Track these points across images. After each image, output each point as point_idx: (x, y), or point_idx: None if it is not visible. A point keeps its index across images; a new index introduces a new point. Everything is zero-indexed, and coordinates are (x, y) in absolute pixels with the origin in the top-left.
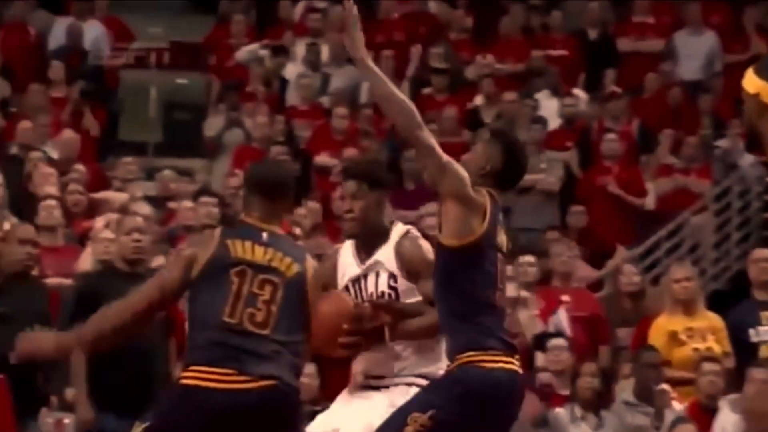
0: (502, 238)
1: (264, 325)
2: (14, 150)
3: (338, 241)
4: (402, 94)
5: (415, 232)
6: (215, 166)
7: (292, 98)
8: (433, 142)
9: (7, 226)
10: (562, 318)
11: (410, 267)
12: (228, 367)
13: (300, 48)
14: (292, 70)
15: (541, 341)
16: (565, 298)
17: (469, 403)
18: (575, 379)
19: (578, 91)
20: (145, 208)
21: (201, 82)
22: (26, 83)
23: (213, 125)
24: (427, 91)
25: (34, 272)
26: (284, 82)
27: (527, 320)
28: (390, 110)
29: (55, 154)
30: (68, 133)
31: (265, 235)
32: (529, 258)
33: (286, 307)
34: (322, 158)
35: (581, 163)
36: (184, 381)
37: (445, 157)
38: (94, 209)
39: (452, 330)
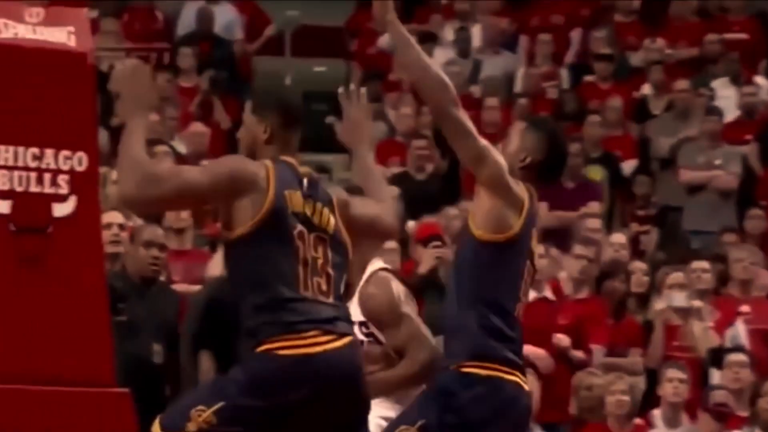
0: (535, 246)
1: (328, 293)
2: None
3: None
4: (437, 67)
5: (383, 273)
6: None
7: None
8: (470, 123)
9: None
10: (740, 331)
11: (373, 316)
12: (315, 330)
13: (448, 32)
14: (440, 57)
15: (717, 356)
16: (744, 308)
17: (462, 414)
18: (755, 399)
19: (760, 79)
20: None
21: (341, 70)
22: (153, 72)
23: None
24: (589, 78)
25: (162, 277)
26: None
27: (701, 333)
28: (422, 83)
29: (183, 149)
30: (197, 127)
31: (305, 182)
32: (703, 263)
33: (336, 269)
34: None
35: (762, 158)
36: (282, 352)
37: (483, 141)
38: None
39: (458, 330)
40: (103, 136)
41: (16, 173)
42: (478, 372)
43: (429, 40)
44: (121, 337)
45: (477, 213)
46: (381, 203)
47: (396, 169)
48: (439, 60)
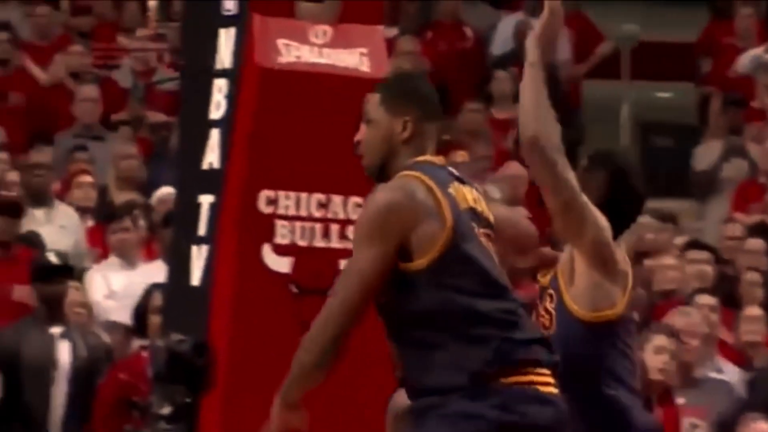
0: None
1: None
2: None
3: None
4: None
5: None
6: (708, 209)
7: None
8: (572, 175)
9: None
10: None
11: None
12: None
13: None
14: None
15: None
16: None
17: None
18: None
19: None
20: None
21: (690, 97)
22: (461, 100)
23: (706, 154)
24: None
25: None
26: None
27: None
28: (535, 119)
29: (496, 194)
30: (514, 167)
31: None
32: None
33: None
34: None
35: None
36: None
37: (583, 197)
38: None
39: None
40: None
41: (297, 224)
42: None
43: None
44: None
45: (576, 286)
46: (512, 210)
47: (755, 217)
48: None
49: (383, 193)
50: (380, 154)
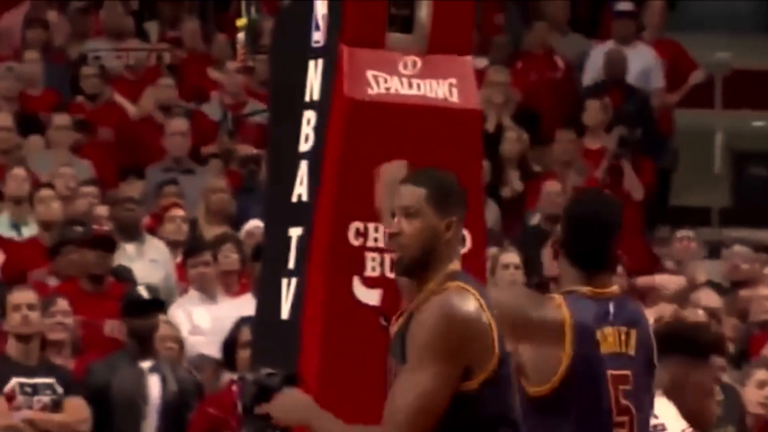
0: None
1: None
2: (536, 220)
3: None
4: None
5: None
6: None
7: None
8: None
9: None
10: None
11: None
12: None
13: None
14: None
15: None
16: None
17: None
18: None
19: None
20: (712, 297)
21: None
22: (553, 131)
23: None
24: None
25: None
26: None
27: None
28: None
29: None
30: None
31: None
32: None
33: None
34: None
35: None
36: None
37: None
38: (640, 297)
39: None
40: (491, 210)
41: (387, 256)
42: None
43: None
44: None
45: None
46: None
47: None
48: None
49: (455, 306)
50: (423, 251)
